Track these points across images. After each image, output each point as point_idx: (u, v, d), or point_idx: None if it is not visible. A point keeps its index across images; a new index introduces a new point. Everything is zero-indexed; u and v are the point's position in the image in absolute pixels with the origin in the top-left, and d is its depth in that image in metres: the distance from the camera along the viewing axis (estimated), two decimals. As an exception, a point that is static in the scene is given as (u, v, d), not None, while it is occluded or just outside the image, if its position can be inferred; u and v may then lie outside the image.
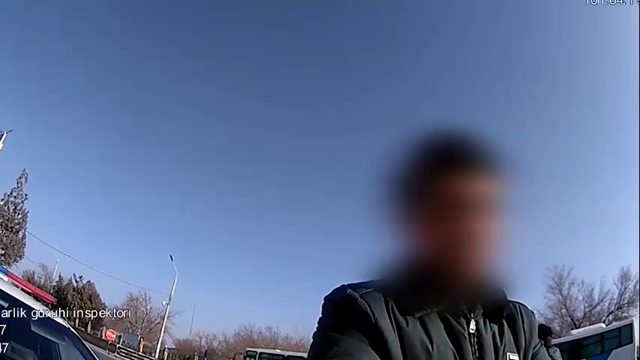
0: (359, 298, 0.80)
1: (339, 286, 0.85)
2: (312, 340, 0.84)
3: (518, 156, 0.88)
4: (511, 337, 0.91)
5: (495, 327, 0.89)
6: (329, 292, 0.86)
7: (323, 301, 0.86)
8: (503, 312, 0.90)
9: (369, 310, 0.79)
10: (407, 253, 0.88)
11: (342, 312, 0.81)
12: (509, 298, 0.92)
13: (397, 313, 0.81)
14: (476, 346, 0.85)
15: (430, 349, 0.79)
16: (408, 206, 0.87)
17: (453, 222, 0.80)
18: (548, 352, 4.55)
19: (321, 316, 0.86)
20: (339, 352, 0.76)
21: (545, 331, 5.10)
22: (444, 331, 0.83)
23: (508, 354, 0.88)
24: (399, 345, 0.79)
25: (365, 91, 56.27)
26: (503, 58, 50.26)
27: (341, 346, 0.77)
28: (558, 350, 4.98)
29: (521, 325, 0.93)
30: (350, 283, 0.85)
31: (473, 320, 0.86)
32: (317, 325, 0.85)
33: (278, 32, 57.23)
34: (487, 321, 0.88)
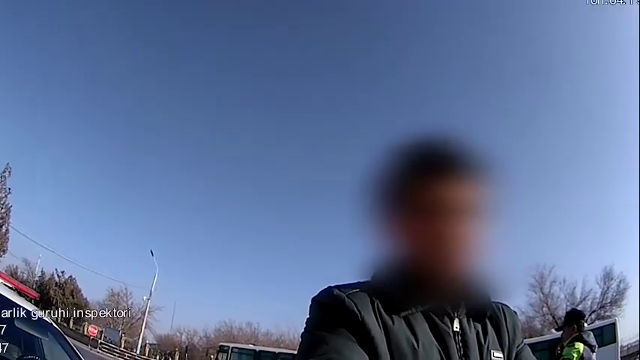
0: (346, 299, 0.83)
1: (325, 287, 0.88)
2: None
3: (501, 156, 0.91)
4: (495, 335, 0.94)
5: (479, 326, 0.92)
6: (316, 294, 0.88)
7: (310, 302, 0.88)
8: (486, 311, 0.93)
9: (356, 309, 0.81)
10: (391, 254, 0.90)
11: (330, 312, 0.83)
12: (492, 299, 0.95)
13: (383, 312, 0.83)
14: (460, 344, 0.87)
15: (416, 347, 0.82)
16: (392, 209, 0.89)
17: (436, 225, 0.83)
18: (583, 337, 4.53)
19: (308, 316, 0.88)
20: (327, 350, 0.78)
21: (577, 316, 4.99)
22: (428, 330, 0.85)
23: (492, 351, 0.91)
24: (386, 342, 0.81)
25: (352, 94, 55.93)
26: (502, 58, 50.50)
27: (330, 345, 0.79)
28: (592, 334, 4.84)
29: (504, 324, 0.96)
30: (336, 284, 0.87)
31: (457, 319, 0.89)
32: (305, 326, 0.87)
33: (265, 36, 56.70)
34: (471, 320, 0.91)
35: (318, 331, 0.82)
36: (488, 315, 0.94)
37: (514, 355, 0.96)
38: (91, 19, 51.02)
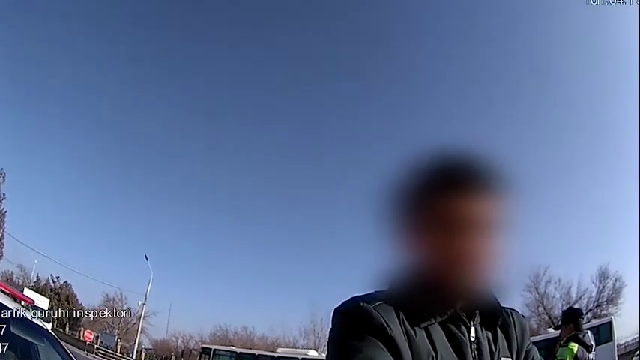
0: (373, 311, 0.83)
1: (348, 298, 0.88)
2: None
3: (512, 165, 0.93)
4: (504, 341, 0.96)
5: (490, 333, 0.94)
6: (339, 304, 0.89)
7: (334, 312, 0.89)
8: (498, 319, 0.95)
9: (385, 322, 0.82)
10: (411, 265, 0.91)
11: (357, 322, 0.83)
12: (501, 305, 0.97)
13: (407, 323, 0.84)
14: (475, 352, 0.89)
15: (435, 359, 0.83)
16: (413, 222, 0.90)
17: (458, 238, 0.84)
18: (579, 337, 4.46)
19: (332, 327, 0.88)
20: (362, 358, 0.78)
21: (574, 314, 4.91)
22: (446, 340, 0.87)
23: (503, 358, 0.93)
24: (410, 356, 0.82)
25: (370, 104, 55.73)
26: (501, 58, 50.65)
27: (364, 353, 0.79)
28: (590, 332, 4.76)
29: (513, 329, 0.98)
30: (358, 295, 0.88)
31: (472, 327, 0.90)
32: (330, 337, 0.87)
33: (278, 42, 56.52)
34: (483, 328, 0.93)
35: (349, 340, 0.83)
36: (500, 322, 0.96)
37: (522, 357, 0.99)
38: (90, 18, 50.71)
